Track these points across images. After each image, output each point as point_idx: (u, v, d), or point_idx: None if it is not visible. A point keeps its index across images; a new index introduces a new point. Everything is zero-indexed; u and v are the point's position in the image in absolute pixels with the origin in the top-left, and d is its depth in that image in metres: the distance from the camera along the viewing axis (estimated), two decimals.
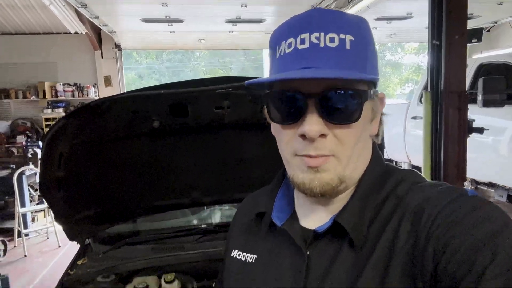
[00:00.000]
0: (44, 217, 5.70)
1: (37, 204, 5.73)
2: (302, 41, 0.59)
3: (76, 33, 6.91)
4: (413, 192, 0.62)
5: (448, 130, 2.64)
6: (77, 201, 1.71)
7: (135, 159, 1.76)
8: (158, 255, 1.77)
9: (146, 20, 6.07)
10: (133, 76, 16.75)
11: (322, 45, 0.58)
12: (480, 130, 2.78)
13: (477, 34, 5.67)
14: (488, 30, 7.69)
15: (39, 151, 5.77)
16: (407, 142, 5.59)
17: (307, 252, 0.64)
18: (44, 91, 7.77)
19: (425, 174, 2.75)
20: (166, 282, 1.66)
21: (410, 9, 5.77)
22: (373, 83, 0.64)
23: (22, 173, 5.14)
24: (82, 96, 7.95)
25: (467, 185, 4.39)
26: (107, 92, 7.84)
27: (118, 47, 8.11)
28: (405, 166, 5.94)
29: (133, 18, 6.04)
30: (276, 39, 0.64)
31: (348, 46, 0.59)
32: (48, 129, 1.59)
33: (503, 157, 4.12)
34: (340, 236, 0.63)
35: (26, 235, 5.07)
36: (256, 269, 0.72)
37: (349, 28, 0.60)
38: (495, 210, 0.54)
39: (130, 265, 1.72)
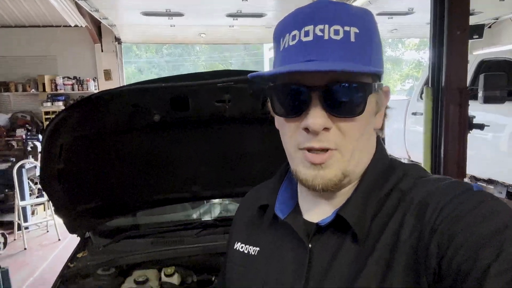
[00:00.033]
0: (44, 210, 5.71)
1: (37, 197, 5.74)
2: (307, 34, 0.59)
3: (76, 26, 6.87)
4: (418, 187, 0.61)
5: (449, 126, 2.63)
6: (78, 194, 1.71)
7: (135, 152, 1.76)
8: (158, 249, 1.78)
9: (146, 14, 6.04)
10: (132, 70, 16.70)
11: (326, 37, 0.58)
12: (481, 127, 2.78)
13: (478, 30, 5.64)
14: (490, 27, 7.65)
15: (39, 145, 5.77)
16: (407, 138, 5.59)
17: (310, 245, 0.64)
18: (43, 84, 7.75)
19: None
20: (166, 276, 1.66)
21: (412, 5, 5.74)
22: (377, 76, 0.63)
23: (22, 166, 5.14)
24: (82, 90, 7.92)
25: (466, 181, 4.39)
26: (107, 85, 7.81)
27: (118, 40, 8.07)
28: (404, 162, 5.93)
29: (133, 11, 6.01)
30: (280, 31, 0.64)
31: (352, 39, 0.58)
32: (47, 122, 1.58)
33: (503, 154, 4.12)
34: (343, 230, 0.62)
35: (26, 228, 5.08)
36: (258, 261, 0.72)
37: (354, 20, 0.59)
38: (500, 205, 0.53)
39: (130, 259, 1.73)
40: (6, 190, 5.43)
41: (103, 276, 1.64)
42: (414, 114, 5.38)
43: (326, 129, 0.59)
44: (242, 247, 0.76)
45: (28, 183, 5.52)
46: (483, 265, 0.48)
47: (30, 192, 5.63)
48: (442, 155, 2.68)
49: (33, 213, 5.72)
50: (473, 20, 5.85)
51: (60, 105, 7.61)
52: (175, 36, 8.06)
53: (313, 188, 0.62)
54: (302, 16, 0.60)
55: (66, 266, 1.70)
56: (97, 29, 7.75)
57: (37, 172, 5.61)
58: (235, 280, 0.76)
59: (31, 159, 5.46)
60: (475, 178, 4.84)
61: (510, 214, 0.52)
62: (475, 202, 0.54)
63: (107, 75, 8.08)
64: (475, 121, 2.75)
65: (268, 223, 0.74)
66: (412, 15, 6.21)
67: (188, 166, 1.86)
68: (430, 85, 2.70)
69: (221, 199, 2.37)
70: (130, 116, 1.57)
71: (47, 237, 5.16)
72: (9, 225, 5.20)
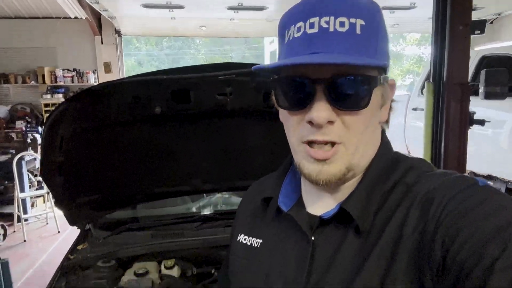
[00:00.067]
0: (44, 202, 5.72)
1: (37, 189, 5.74)
2: (312, 25, 0.58)
3: (76, 18, 6.83)
4: (422, 181, 0.61)
5: (449, 122, 2.62)
6: (78, 186, 1.71)
7: (136, 145, 1.75)
8: (158, 241, 1.78)
9: (146, 6, 6.00)
10: (132, 63, 16.62)
11: (331, 29, 0.57)
12: (481, 122, 2.77)
13: (480, 25, 5.60)
14: (491, 22, 7.62)
15: (38, 137, 5.76)
16: (407, 133, 5.59)
17: (313, 238, 0.64)
18: (43, 76, 7.72)
19: None
20: (166, 268, 1.67)
21: None
22: (383, 69, 0.62)
23: (21, 158, 5.14)
24: (82, 82, 7.89)
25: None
26: (107, 78, 7.76)
27: (118, 33, 8.01)
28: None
29: (133, 3, 5.96)
30: (285, 23, 0.63)
31: (358, 31, 0.58)
32: (47, 114, 1.58)
33: (503, 150, 4.12)
34: (346, 223, 0.62)
35: (26, 220, 5.08)
36: (261, 253, 0.72)
37: (360, 12, 0.58)
38: (505, 201, 0.53)
39: (130, 251, 1.73)
40: (6, 182, 5.43)
41: (103, 268, 1.65)
42: (414, 109, 5.37)
43: (330, 122, 0.58)
44: (245, 239, 0.76)
45: (28, 175, 5.52)
46: (487, 261, 0.47)
47: (30, 184, 5.63)
48: (442, 151, 2.68)
49: (32, 205, 5.72)
50: (475, 16, 5.79)
51: (59, 97, 7.59)
52: (176, 28, 8.01)
53: (317, 183, 0.62)
54: (308, 8, 0.59)
55: (66, 258, 1.70)
56: (97, 21, 7.70)
57: (37, 164, 5.61)
58: (238, 273, 0.76)
59: (30, 151, 5.46)
60: (474, 174, 4.85)
61: None
62: (480, 197, 0.54)
63: (107, 67, 8.04)
64: (475, 117, 2.75)
65: (272, 215, 0.74)
66: (414, 9, 6.18)
67: (189, 159, 1.85)
68: (431, 80, 2.69)
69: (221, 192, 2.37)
70: (130, 108, 1.56)
71: (47, 229, 5.17)
72: (8, 217, 5.20)
